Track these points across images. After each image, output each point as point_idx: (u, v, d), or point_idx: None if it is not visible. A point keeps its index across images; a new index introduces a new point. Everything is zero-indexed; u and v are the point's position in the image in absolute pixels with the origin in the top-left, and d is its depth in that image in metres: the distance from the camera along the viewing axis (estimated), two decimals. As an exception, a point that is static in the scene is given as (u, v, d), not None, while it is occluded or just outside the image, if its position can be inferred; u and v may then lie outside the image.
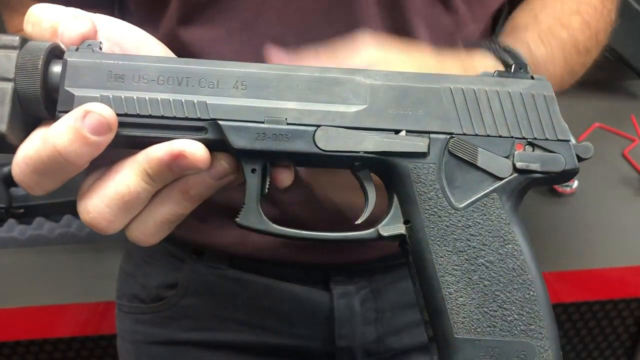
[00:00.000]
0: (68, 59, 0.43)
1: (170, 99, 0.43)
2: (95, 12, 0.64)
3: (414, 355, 0.79)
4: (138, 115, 0.43)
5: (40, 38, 0.44)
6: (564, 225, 1.18)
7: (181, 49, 0.59)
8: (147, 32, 0.49)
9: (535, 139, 0.45)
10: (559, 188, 1.21)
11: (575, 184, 1.22)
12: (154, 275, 0.82)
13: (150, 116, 0.43)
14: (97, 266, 1.11)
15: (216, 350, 0.78)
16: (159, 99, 0.43)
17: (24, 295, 1.08)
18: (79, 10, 0.45)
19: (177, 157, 0.42)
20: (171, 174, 0.43)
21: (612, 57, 1.33)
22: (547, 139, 0.45)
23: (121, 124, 0.42)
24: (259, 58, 0.51)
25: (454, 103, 0.45)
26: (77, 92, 0.43)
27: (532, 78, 0.46)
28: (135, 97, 0.43)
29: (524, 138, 0.45)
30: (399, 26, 0.63)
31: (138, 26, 0.49)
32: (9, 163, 1.22)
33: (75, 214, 1.17)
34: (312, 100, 0.44)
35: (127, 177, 0.43)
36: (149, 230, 0.45)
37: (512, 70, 0.47)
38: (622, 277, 1.16)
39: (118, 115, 0.42)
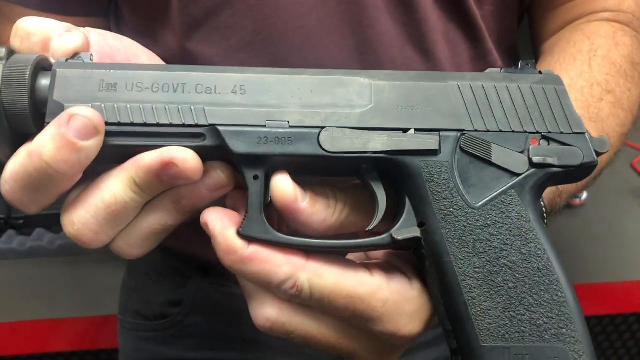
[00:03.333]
0: (57, 70, 0.41)
1: (166, 106, 0.41)
2: (91, 20, 0.62)
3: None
4: (132, 124, 0.41)
5: (29, 52, 0.42)
6: (573, 237, 1.17)
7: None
8: (146, 43, 0.47)
9: (549, 132, 0.43)
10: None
11: (584, 195, 1.21)
12: (157, 292, 0.80)
13: (145, 124, 0.41)
14: (98, 279, 1.09)
15: (222, 370, 0.76)
16: (154, 106, 0.41)
17: (23, 309, 1.06)
18: (68, 24, 0.43)
19: (167, 165, 0.39)
20: (160, 184, 0.40)
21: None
22: (561, 132, 0.43)
23: (115, 134, 0.40)
24: None
25: (462, 100, 0.43)
26: (67, 102, 0.40)
27: (540, 73, 0.45)
28: (128, 106, 0.41)
29: (537, 132, 0.43)
30: (415, 41, 0.60)
31: (133, 36, 0.47)
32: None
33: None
34: (314, 102, 0.42)
35: (115, 186, 0.40)
36: (134, 240, 0.43)
37: (520, 67, 0.45)
38: (633, 291, 1.15)
39: (111, 124, 0.40)
